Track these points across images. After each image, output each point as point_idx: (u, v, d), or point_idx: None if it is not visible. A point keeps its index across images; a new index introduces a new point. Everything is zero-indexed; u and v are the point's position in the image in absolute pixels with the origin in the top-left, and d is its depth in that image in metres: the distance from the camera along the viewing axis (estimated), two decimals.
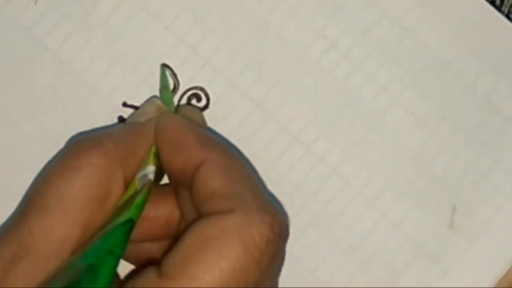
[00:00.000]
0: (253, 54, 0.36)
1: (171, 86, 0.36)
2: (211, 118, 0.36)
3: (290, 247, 0.29)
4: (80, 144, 0.30)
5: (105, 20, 0.36)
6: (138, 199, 0.29)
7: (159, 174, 0.32)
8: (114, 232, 0.28)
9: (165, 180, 0.34)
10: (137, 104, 0.36)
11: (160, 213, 0.32)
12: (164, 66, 0.36)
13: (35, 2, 0.36)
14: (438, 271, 0.36)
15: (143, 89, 0.36)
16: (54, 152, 0.35)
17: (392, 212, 0.36)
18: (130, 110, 0.36)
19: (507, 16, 0.37)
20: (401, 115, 0.37)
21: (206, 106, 0.36)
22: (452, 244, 0.36)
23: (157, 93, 0.36)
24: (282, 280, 0.30)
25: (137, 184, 0.30)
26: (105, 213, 0.29)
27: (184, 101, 0.36)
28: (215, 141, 0.31)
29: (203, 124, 0.35)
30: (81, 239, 0.28)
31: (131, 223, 0.28)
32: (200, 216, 0.28)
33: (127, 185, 0.31)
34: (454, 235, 0.36)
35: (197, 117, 0.35)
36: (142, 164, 0.31)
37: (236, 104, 0.36)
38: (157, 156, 0.31)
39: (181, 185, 0.31)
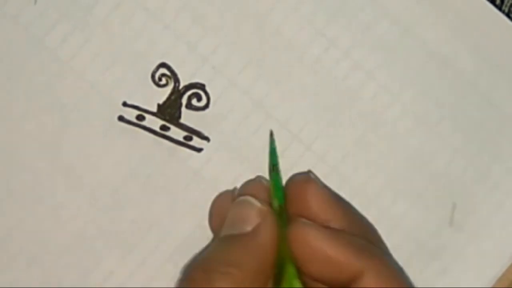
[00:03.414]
0: (252, 52, 0.36)
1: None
2: (210, 117, 0.36)
3: None
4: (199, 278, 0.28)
5: (104, 19, 0.36)
6: None
7: None
8: None
9: None
10: (137, 103, 0.36)
11: None
12: (271, 136, 0.34)
13: (35, 2, 0.36)
14: (438, 268, 0.36)
15: (143, 88, 0.36)
16: (53, 152, 0.35)
17: (392, 210, 0.36)
18: (130, 110, 0.36)
19: (508, 15, 0.37)
20: (401, 113, 0.37)
21: (206, 106, 0.36)
22: (452, 241, 0.36)
23: (157, 92, 0.36)
24: None
25: None
26: None
27: (184, 101, 0.36)
28: (369, 248, 0.29)
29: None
30: None
31: None
32: None
33: None
34: (454, 232, 0.36)
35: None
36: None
37: (235, 102, 0.36)
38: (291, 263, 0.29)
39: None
